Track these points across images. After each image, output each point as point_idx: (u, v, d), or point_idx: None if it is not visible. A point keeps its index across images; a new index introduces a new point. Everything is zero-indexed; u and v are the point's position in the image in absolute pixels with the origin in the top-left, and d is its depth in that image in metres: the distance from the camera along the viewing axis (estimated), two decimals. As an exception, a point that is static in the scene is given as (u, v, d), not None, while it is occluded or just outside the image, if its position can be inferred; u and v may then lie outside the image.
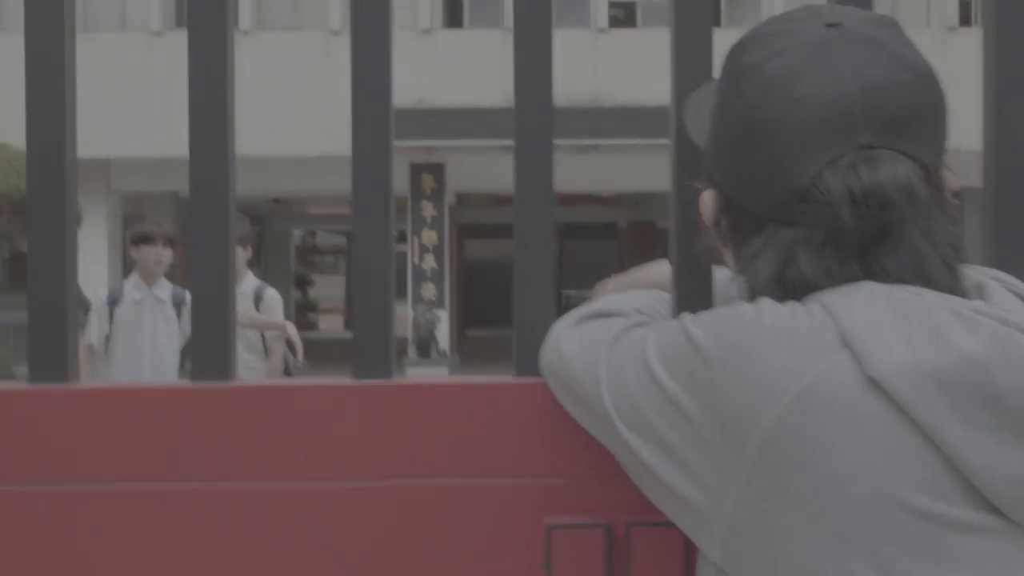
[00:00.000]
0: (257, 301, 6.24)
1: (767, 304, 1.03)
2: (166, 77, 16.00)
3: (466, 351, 21.11)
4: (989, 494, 0.95)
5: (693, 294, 1.36)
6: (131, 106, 16.24)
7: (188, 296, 6.40)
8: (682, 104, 1.36)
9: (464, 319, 22.06)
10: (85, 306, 6.11)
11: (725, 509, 1.01)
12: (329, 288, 36.36)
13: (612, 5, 17.54)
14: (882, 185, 1.00)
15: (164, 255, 6.13)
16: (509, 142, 14.82)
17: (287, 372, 6.47)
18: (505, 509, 1.40)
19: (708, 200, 1.16)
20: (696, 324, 1.06)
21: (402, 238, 17.58)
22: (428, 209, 17.54)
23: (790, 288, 1.05)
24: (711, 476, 1.02)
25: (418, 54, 16.48)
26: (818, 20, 1.07)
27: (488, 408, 1.41)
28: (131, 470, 1.40)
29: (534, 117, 1.45)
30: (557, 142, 1.53)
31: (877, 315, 0.97)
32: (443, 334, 17.49)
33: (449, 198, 18.42)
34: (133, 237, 6.24)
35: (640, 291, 1.37)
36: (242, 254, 6.15)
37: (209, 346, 1.45)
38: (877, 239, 1.02)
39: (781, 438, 0.96)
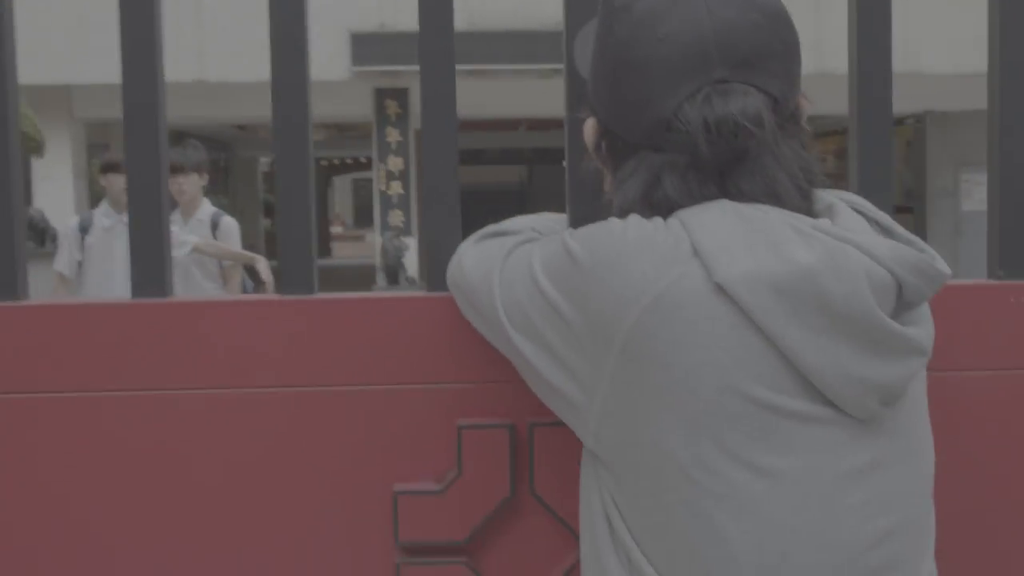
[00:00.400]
0: (213, 229, 6.27)
1: (634, 220, 1.15)
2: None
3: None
4: (823, 389, 1.09)
5: (584, 215, 1.47)
6: (93, 30, 16.06)
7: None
8: (573, 35, 1.48)
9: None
10: (52, 234, 6.13)
11: (597, 402, 1.15)
12: (297, 215, 36.08)
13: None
14: (732, 115, 1.12)
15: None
16: (473, 67, 14.79)
17: None
18: (420, 413, 1.52)
19: (590, 127, 1.28)
20: (573, 237, 1.18)
21: (368, 165, 17.51)
22: (393, 135, 17.46)
23: (656, 207, 1.17)
24: (585, 373, 1.16)
25: (381, -22, 16.34)
26: None
27: (403, 320, 1.52)
28: (73, 380, 1.51)
29: (435, 41, 1.55)
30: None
31: (726, 229, 1.10)
32: (411, 261, 17.51)
33: (414, 123, 18.37)
34: (102, 166, 6.29)
35: (540, 214, 1.49)
36: (197, 181, 6.20)
37: (146, 264, 1.55)
38: (734, 163, 1.15)
39: (639, 337, 1.09)
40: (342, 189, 44.60)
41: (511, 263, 1.28)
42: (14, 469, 1.51)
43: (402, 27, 16.21)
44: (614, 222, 1.16)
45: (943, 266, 1.14)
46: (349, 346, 1.51)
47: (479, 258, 1.36)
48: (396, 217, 17.54)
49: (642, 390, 1.11)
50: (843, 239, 1.10)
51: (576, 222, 1.44)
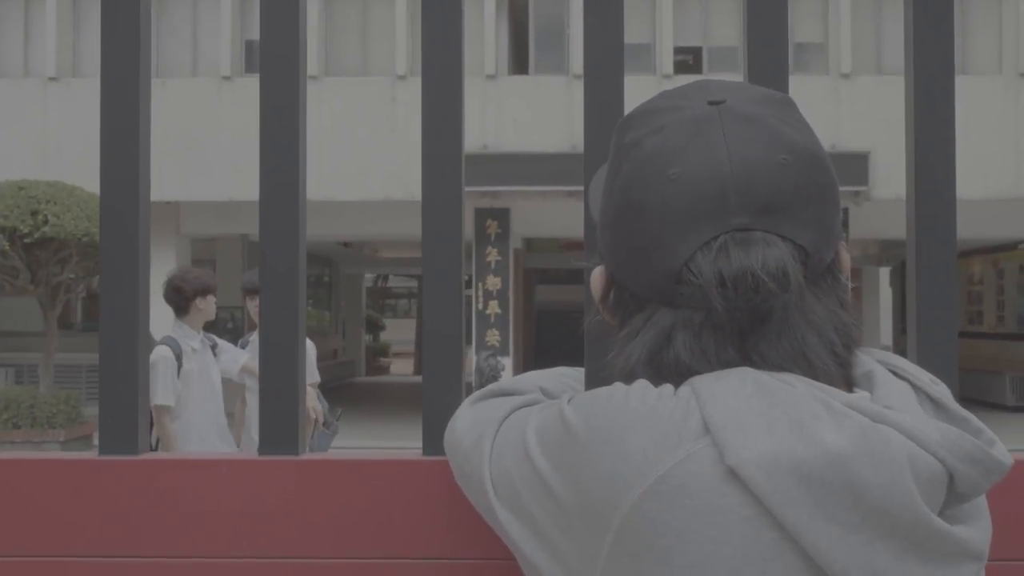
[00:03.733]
0: (214, 350, 6.26)
1: (638, 386, 0.99)
2: (234, 122, 16.26)
3: (532, 397, 20.94)
4: None
5: (599, 371, 1.30)
6: (200, 150, 16.50)
7: (214, 337, 6.39)
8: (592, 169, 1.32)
9: (530, 365, 21.97)
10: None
11: None
12: (400, 332, 36.54)
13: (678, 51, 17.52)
14: (752, 268, 0.96)
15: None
16: (573, 187, 14.81)
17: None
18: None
19: (597, 276, 1.13)
20: (571, 404, 1.03)
21: (467, 284, 17.58)
22: (492, 254, 17.54)
23: (666, 371, 1.01)
24: (574, 559, 0.99)
25: (483, 99, 16.56)
26: (703, 96, 1.04)
27: (396, 486, 1.35)
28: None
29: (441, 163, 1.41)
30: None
31: (742, 403, 0.93)
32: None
33: (515, 243, 18.44)
34: (203, 288, 6.24)
35: (554, 369, 1.32)
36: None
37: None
38: (757, 323, 0.98)
39: (637, 524, 0.93)
40: (445, 306, 44.93)
41: (505, 429, 1.12)
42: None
43: (504, 148, 16.37)
44: (617, 388, 1.01)
45: (1003, 454, 0.96)
46: (335, 513, 1.34)
47: (474, 420, 1.20)
48: (492, 336, 17.52)
49: None
50: (882, 419, 0.93)
51: (593, 381, 1.27)
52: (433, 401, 1.40)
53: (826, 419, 0.92)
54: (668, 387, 0.98)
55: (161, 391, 5.92)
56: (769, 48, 1.42)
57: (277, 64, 1.44)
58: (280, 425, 1.40)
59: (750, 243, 0.97)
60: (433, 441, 1.39)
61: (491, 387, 1.26)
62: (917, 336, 1.40)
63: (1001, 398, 19.08)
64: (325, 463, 1.37)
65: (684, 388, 0.98)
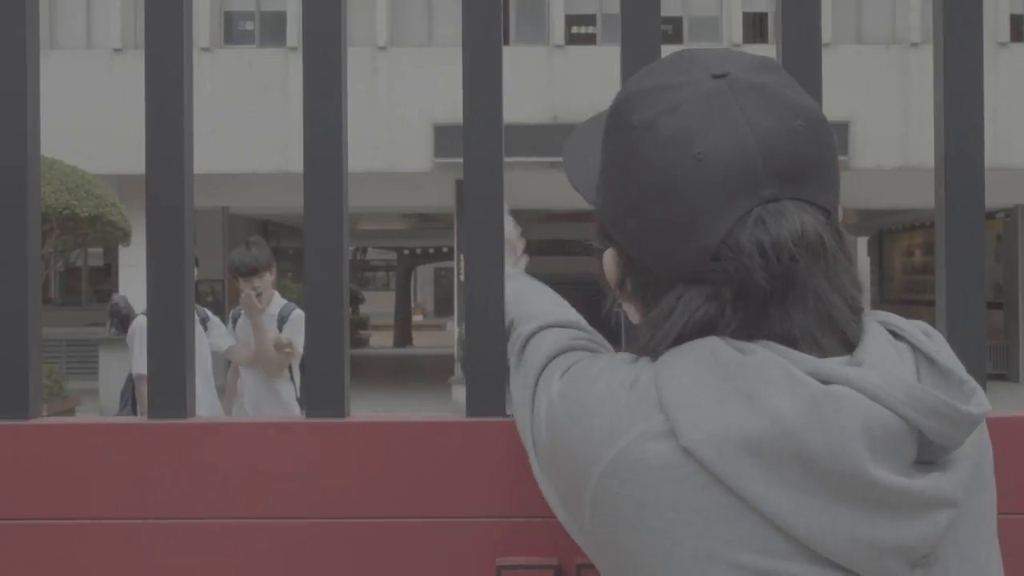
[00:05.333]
0: (281, 323, 6.23)
1: (608, 366, 1.07)
2: (214, 93, 16.17)
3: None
4: (823, 551, 0.93)
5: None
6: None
7: (207, 312, 6.41)
8: None
9: (511, 335, 21.93)
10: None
11: (589, 551, 1.07)
12: (379, 304, 36.48)
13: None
14: (790, 237, 0.98)
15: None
16: (555, 158, 14.78)
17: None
18: (457, 549, 1.38)
19: (611, 260, 1.14)
20: (562, 380, 1.12)
21: (450, 254, 17.57)
22: (475, 225, 17.55)
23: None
24: (574, 522, 1.08)
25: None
26: (704, 71, 1.05)
27: (442, 447, 1.39)
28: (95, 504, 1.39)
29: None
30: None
31: (697, 378, 0.98)
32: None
33: (496, 214, 18.44)
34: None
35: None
36: (270, 278, 6.16)
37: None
38: (788, 289, 1.00)
39: (604, 498, 1.00)
40: (424, 278, 44.95)
41: (539, 391, 1.19)
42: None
43: (484, 119, 16.30)
44: (596, 365, 1.08)
45: (977, 405, 0.98)
46: (381, 474, 1.38)
47: (517, 387, 1.27)
48: (475, 308, 17.52)
49: (616, 549, 1.00)
50: (844, 380, 0.95)
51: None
52: (475, 367, 1.44)
53: (780, 387, 0.94)
54: (637, 366, 1.04)
55: (140, 360, 5.98)
56: (802, 13, 1.46)
57: (320, 39, 1.47)
58: (326, 388, 1.43)
59: (783, 213, 0.99)
60: (476, 403, 1.42)
61: (530, 327, 1.31)
62: (947, 303, 1.43)
63: (979, 365, 19.19)
64: (371, 425, 1.40)
65: (648, 367, 1.02)
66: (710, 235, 1.00)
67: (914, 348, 1.03)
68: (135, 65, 15.25)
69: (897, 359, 1.01)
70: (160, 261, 1.44)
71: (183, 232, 1.44)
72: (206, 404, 6.19)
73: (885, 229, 27.46)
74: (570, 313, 1.35)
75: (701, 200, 1.00)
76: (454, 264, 17.76)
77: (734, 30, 17.78)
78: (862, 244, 24.69)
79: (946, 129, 1.44)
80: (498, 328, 1.43)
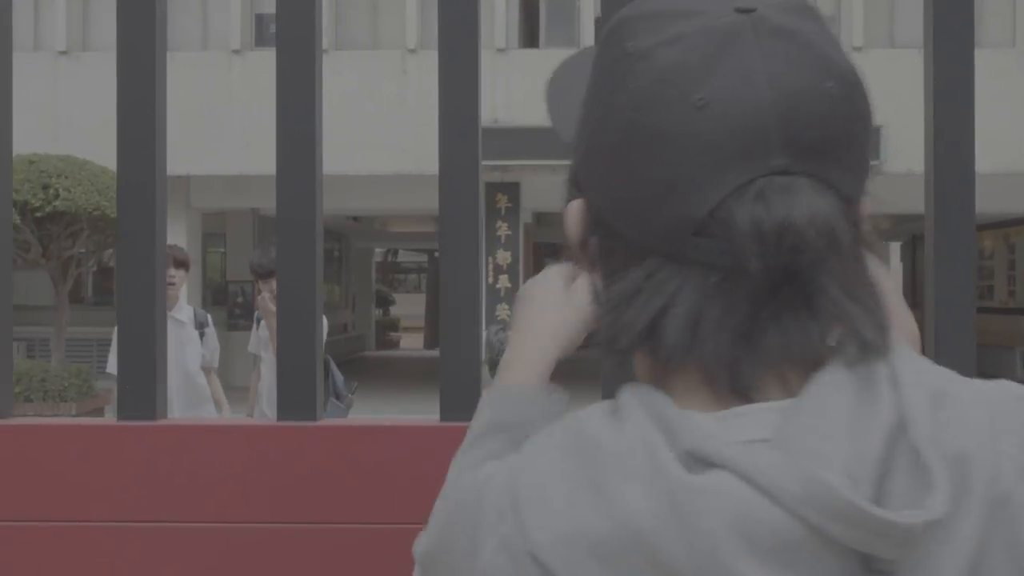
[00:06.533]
0: (201, 328, 6.23)
1: (484, 469, 0.88)
2: (244, 96, 16.25)
3: (541, 371, 20.97)
4: None
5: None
6: (210, 124, 16.49)
7: (209, 318, 6.38)
8: None
9: (540, 339, 21.95)
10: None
11: None
12: (410, 307, 36.57)
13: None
14: (797, 221, 0.77)
15: (175, 276, 6.02)
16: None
17: None
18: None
19: (575, 212, 0.92)
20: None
21: (477, 257, 17.51)
22: (503, 229, 17.53)
23: (659, 345, 0.82)
24: None
25: (493, 73, 16.51)
26: (727, 1, 0.84)
27: (413, 451, 1.35)
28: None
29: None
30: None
31: (555, 465, 0.81)
32: (517, 354, 17.45)
33: (525, 217, 18.42)
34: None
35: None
36: (183, 278, 6.16)
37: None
38: (784, 285, 0.79)
39: None
40: (455, 280, 44.95)
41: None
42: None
43: (515, 122, 16.34)
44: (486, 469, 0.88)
45: (909, 515, 0.73)
46: (353, 478, 1.34)
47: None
48: (503, 311, 17.52)
49: None
50: (727, 463, 0.75)
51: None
52: (449, 370, 1.40)
53: (637, 479, 0.76)
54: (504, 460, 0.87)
55: (111, 360, 6.03)
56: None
57: (293, 39, 1.44)
58: (298, 392, 1.40)
59: (794, 190, 0.79)
60: (450, 408, 1.38)
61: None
62: (935, 312, 1.39)
63: (1012, 373, 19.06)
64: (343, 428, 1.37)
65: (512, 457, 0.86)
66: (697, 204, 0.80)
67: (901, 416, 0.78)
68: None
69: (846, 426, 0.77)
70: (130, 262, 1.41)
71: (154, 232, 1.41)
72: (184, 407, 6.20)
73: (918, 234, 27.30)
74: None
75: (693, 157, 0.80)
76: (483, 267, 17.76)
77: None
78: (895, 249, 24.51)
79: (935, 135, 1.40)
80: (474, 332, 1.39)
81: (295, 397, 1.39)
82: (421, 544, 0.93)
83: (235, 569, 1.36)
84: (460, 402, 1.37)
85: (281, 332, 1.40)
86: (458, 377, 1.37)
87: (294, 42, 1.43)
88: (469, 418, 1.35)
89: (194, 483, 1.37)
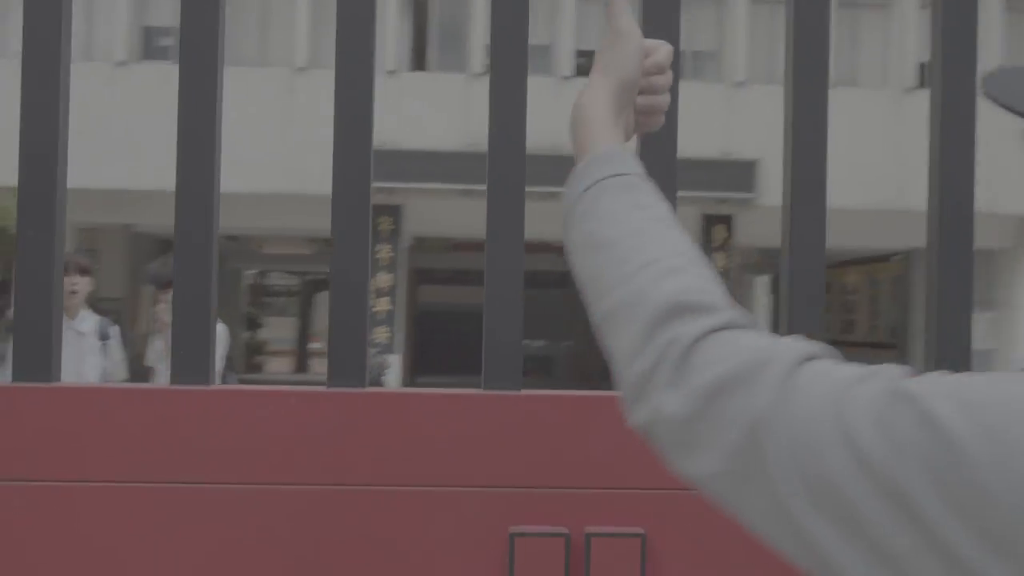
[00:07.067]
0: (103, 340, 6.04)
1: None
2: (126, 109, 15.94)
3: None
4: None
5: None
6: (89, 137, 16.14)
7: (116, 330, 6.20)
8: None
9: (416, 365, 21.91)
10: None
11: None
12: (280, 330, 35.97)
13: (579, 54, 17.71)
14: None
15: (78, 284, 5.83)
16: (467, 186, 14.84)
17: None
18: (470, 518, 1.41)
19: None
20: (936, 397, 0.72)
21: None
22: (384, 251, 17.50)
23: None
24: None
25: (382, 95, 16.51)
26: None
27: (458, 419, 1.42)
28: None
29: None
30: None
31: None
32: (393, 379, 17.37)
33: (406, 240, 18.43)
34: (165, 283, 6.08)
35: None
36: (87, 286, 5.96)
37: (190, 350, 1.47)
38: None
39: None
40: (325, 305, 44.49)
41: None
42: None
43: (401, 145, 16.35)
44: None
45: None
46: (396, 442, 1.41)
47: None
48: (381, 334, 17.46)
49: None
50: None
51: None
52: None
53: None
54: None
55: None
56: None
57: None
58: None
59: None
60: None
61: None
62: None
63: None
64: (387, 396, 1.43)
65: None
66: None
67: None
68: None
69: None
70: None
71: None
72: None
73: (785, 269, 27.90)
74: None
75: None
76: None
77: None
78: (763, 283, 25.13)
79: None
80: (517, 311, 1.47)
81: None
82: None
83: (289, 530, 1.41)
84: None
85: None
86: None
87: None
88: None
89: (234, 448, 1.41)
